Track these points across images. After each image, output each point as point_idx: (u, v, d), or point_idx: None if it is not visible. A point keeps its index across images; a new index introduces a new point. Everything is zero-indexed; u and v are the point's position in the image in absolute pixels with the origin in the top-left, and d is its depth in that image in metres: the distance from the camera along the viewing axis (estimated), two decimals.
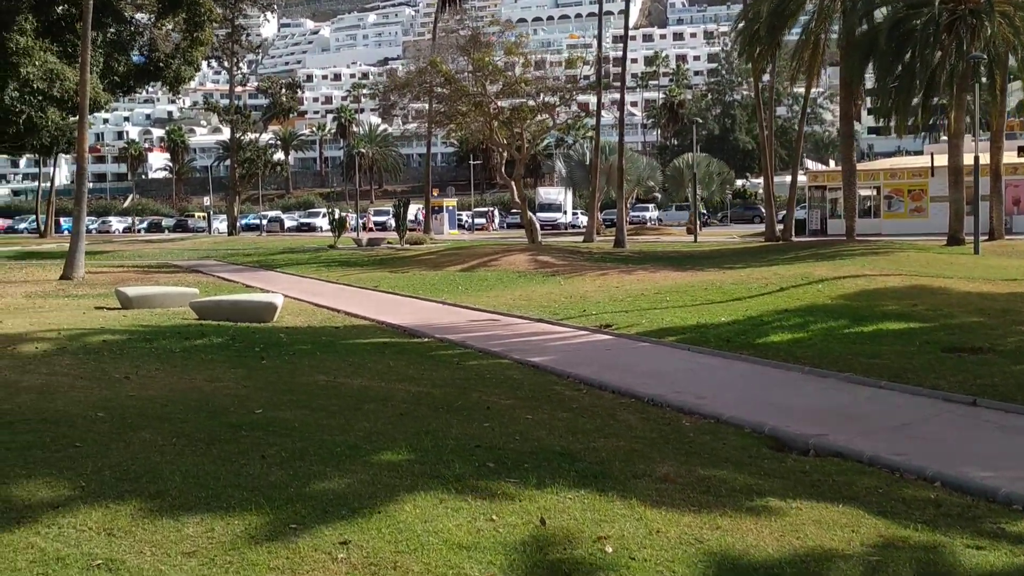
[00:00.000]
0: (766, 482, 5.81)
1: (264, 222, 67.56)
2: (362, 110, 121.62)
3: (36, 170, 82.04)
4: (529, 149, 38.88)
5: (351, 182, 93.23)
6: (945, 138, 45.85)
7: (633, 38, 40.30)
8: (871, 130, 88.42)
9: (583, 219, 58.02)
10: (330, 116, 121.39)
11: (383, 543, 4.43)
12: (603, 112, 40.47)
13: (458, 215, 59.59)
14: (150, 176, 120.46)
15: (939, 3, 27.55)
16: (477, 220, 63.21)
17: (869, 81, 35.09)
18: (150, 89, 68.88)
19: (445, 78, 34.36)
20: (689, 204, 63.39)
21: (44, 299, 18.61)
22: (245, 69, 63.09)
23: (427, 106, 41.04)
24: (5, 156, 79.28)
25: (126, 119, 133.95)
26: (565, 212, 61.11)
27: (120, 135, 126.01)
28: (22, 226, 79.27)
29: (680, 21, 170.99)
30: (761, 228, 45.77)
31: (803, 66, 34.70)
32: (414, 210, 52.83)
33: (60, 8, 31.76)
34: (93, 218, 66.94)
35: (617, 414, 7.99)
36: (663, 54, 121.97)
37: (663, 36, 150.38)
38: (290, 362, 10.13)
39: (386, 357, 10.81)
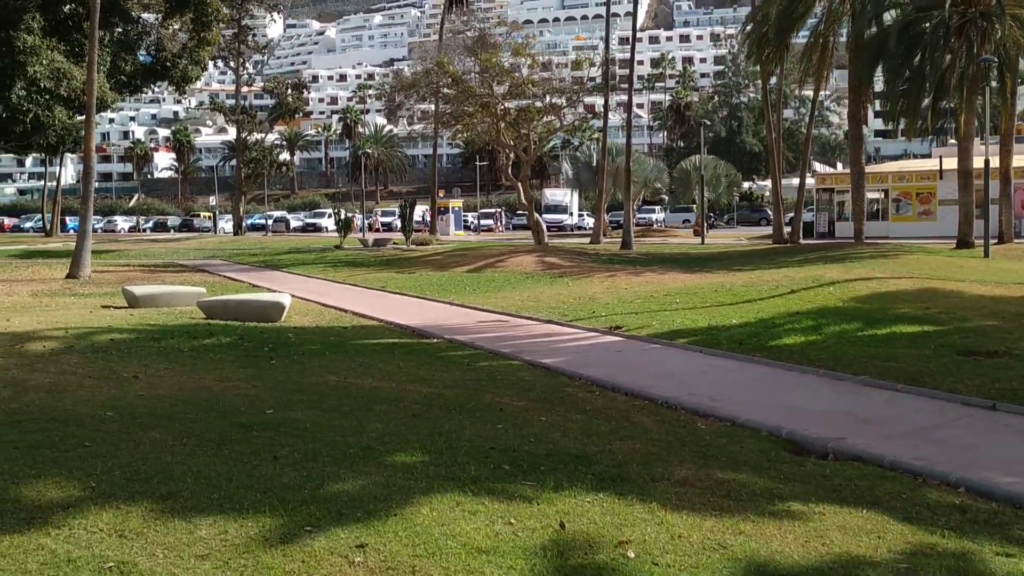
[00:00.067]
0: (787, 486, 5.70)
1: (270, 222, 67.54)
2: (367, 111, 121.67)
3: (42, 169, 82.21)
4: (536, 150, 38.80)
5: (356, 183, 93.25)
6: (953, 141, 45.74)
7: (639, 40, 40.20)
8: (878, 133, 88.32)
9: (589, 221, 57.92)
10: (335, 117, 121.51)
11: (400, 547, 4.34)
12: (610, 114, 40.36)
13: (464, 216, 59.53)
14: (156, 176, 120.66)
15: (949, 5, 27.43)
16: (483, 221, 63.15)
17: (877, 84, 35.00)
18: (156, 89, 69.00)
19: (452, 79, 34.28)
20: (689, 206, 63.56)
21: (51, 298, 18.56)
22: (251, 69, 63.08)
23: (433, 107, 40.99)
24: (11, 155, 79.43)
25: (132, 119, 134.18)
26: (571, 214, 61.01)
27: (126, 135, 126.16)
28: (28, 225, 79.34)
29: (686, 23, 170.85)
30: (768, 230, 45.67)
31: (811, 68, 34.55)
32: (420, 211, 52.76)
33: (67, 7, 31.74)
34: (99, 217, 66.91)
35: (631, 416, 7.89)
36: (669, 56, 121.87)
37: (669, 38, 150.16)
38: (299, 362, 10.04)
39: (396, 358, 10.72)
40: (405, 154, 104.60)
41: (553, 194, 64.09)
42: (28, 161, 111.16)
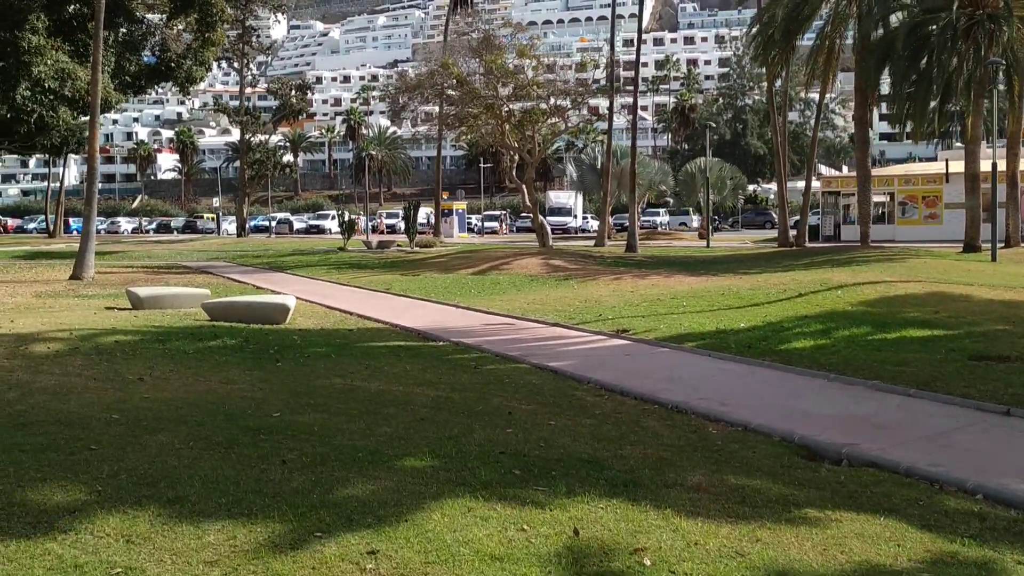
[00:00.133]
0: (802, 492, 5.62)
1: (273, 224, 67.54)
2: (371, 112, 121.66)
3: (45, 170, 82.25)
4: (540, 152, 38.73)
5: (360, 184, 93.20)
6: (959, 144, 45.61)
7: (644, 42, 40.23)
8: (883, 136, 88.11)
9: (593, 223, 57.86)
10: (339, 118, 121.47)
11: (412, 553, 4.26)
12: (614, 116, 40.29)
13: (467, 218, 59.47)
14: (159, 177, 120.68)
15: (956, 8, 27.33)
16: (487, 223, 63.08)
17: (883, 87, 34.90)
18: (160, 90, 69.06)
19: (457, 80, 34.23)
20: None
21: (54, 299, 18.51)
22: (255, 71, 62.94)
23: (438, 109, 40.94)
24: (15, 156, 79.51)
25: (135, 120, 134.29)
26: (575, 216, 60.92)
27: (129, 136, 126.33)
28: (31, 226, 79.39)
29: (691, 25, 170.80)
30: (772, 233, 45.55)
31: (817, 71, 34.46)
32: (424, 213, 52.75)
33: (72, 7, 31.72)
34: (102, 219, 66.96)
35: (641, 420, 7.81)
36: (674, 58, 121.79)
37: (674, 40, 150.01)
38: (305, 364, 9.98)
39: (402, 360, 10.65)
40: (409, 156, 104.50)
41: (557, 196, 64.03)
42: (32, 162, 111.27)
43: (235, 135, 72.27)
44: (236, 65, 58.88)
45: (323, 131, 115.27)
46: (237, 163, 67.45)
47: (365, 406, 7.68)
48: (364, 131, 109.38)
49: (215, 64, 41.30)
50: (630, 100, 61.67)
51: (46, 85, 29.42)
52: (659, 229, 57.56)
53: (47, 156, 56.13)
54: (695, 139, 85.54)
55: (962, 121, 30.36)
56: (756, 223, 62.56)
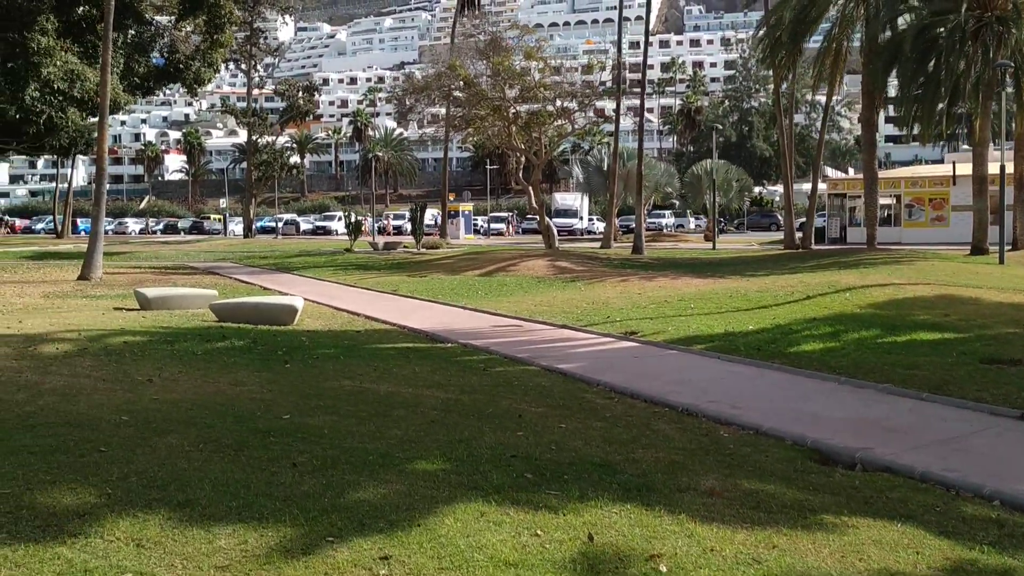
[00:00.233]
0: (816, 498, 5.57)
1: (280, 225, 67.61)
2: (377, 114, 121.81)
3: (53, 171, 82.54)
4: (547, 154, 38.69)
5: (366, 186, 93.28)
6: (966, 147, 45.45)
7: (650, 44, 40.06)
8: (888, 138, 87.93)
9: (599, 225, 57.81)
10: (346, 120, 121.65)
11: (425, 559, 4.22)
12: (621, 118, 40.24)
13: (473, 220, 59.47)
14: (166, 178, 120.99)
15: (965, 10, 27.24)
16: (493, 225, 63.07)
17: (890, 89, 34.77)
18: (167, 91, 69.20)
19: (464, 82, 34.21)
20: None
21: (62, 299, 18.51)
22: (262, 72, 63.15)
23: (444, 110, 40.93)
24: (23, 157, 79.78)
25: (143, 121, 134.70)
26: (581, 218, 60.91)
27: (137, 137, 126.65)
28: (39, 226, 79.67)
29: (697, 28, 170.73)
30: (778, 236, 45.47)
31: (824, 73, 34.38)
32: (430, 214, 52.72)
33: (81, 9, 31.78)
34: (110, 219, 67.09)
35: (652, 424, 7.76)
36: (680, 60, 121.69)
37: (679, 42, 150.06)
38: (314, 366, 9.94)
39: (411, 362, 10.61)
40: (415, 157, 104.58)
41: (563, 198, 64.01)
42: (40, 163, 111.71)
43: (242, 136, 72.30)
44: (244, 67, 58.96)
45: (330, 132, 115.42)
46: (244, 164, 67.52)
47: (375, 408, 7.64)
48: (371, 132, 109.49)
49: (223, 66, 41.35)
50: (636, 102, 61.66)
51: (55, 86, 29.48)
52: (665, 231, 57.51)
53: (55, 157, 56.28)
54: (701, 141, 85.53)
55: (969, 123, 30.24)
56: (761, 225, 62.47)
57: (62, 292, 20.30)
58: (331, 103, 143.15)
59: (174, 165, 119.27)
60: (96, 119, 28.49)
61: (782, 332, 13.15)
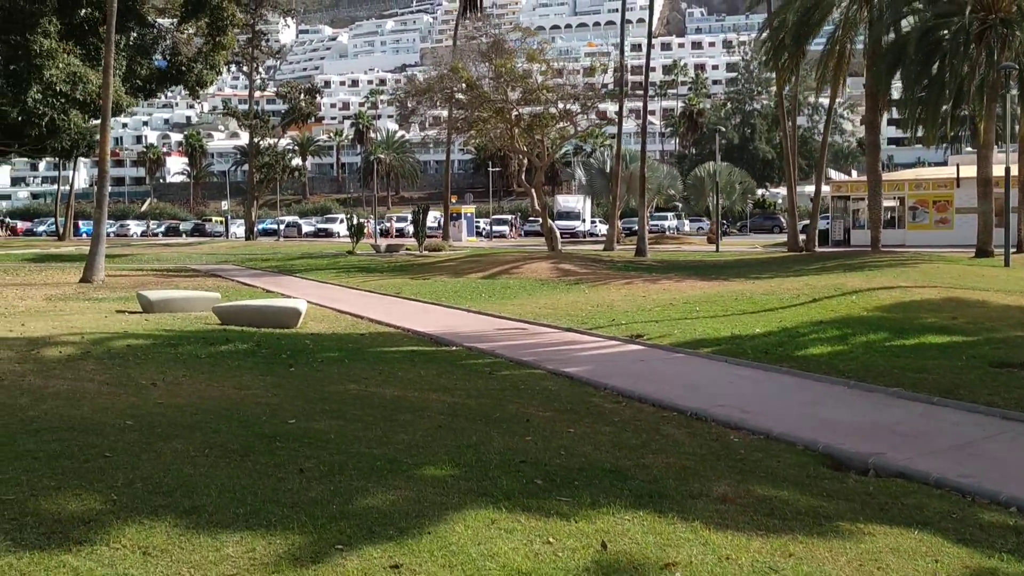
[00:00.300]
0: (831, 504, 5.49)
1: (282, 227, 67.57)
2: (379, 116, 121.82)
3: (55, 173, 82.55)
4: (550, 156, 38.64)
5: (368, 188, 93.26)
6: (969, 149, 45.34)
7: (652, 46, 39.98)
8: (891, 140, 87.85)
9: (601, 227, 57.70)
10: (347, 122, 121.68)
11: (437, 567, 4.15)
12: (623, 120, 40.16)
13: (476, 222, 59.42)
14: (168, 180, 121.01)
15: (969, 12, 27.15)
16: (495, 228, 63.01)
17: (893, 91, 34.69)
18: (169, 94, 69.22)
19: (467, 84, 34.15)
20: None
21: (64, 302, 18.45)
22: (264, 74, 63.18)
23: (446, 113, 40.87)
24: (25, 159, 79.83)
25: (145, 123, 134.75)
26: (583, 220, 60.81)
27: (139, 139, 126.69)
28: (41, 229, 79.69)
29: (698, 30, 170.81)
30: (781, 238, 45.38)
31: (828, 75, 34.32)
32: (433, 217, 52.69)
33: (83, 11, 31.74)
34: (111, 222, 67.13)
35: (661, 428, 7.69)
36: (681, 63, 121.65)
37: (681, 45, 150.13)
38: (319, 370, 9.88)
39: (416, 366, 10.54)
40: (417, 160, 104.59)
41: (566, 200, 63.92)
42: (41, 165, 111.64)
43: (244, 139, 72.36)
44: (245, 69, 58.96)
45: (331, 135, 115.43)
46: (246, 166, 67.58)
47: (381, 413, 7.57)
48: (372, 135, 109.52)
49: (225, 68, 41.29)
50: (638, 104, 61.58)
51: (57, 88, 29.43)
52: (667, 233, 57.41)
53: (57, 159, 56.28)
54: (703, 143, 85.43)
55: (973, 126, 30.14)
56: (764, 227, 62.45)
57: (64, 295, 20.23)
58: (333, 105, 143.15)
59: (176, 167, 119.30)
60: (98, 121, 28.47)
61: (789, 335, 13.08)
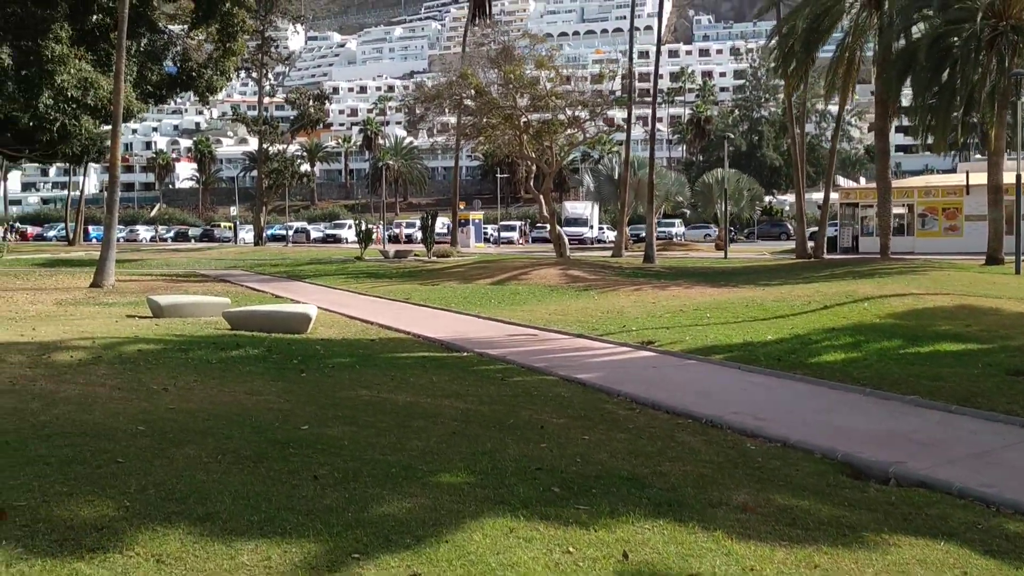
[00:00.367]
0: (853, 514, 5.40)
1: (290, 233, 67.61)
2: (387, 122, 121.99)
3: (66, 179, 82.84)
4: (558, 163, 38.59)
5: (376, 194, 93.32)
6: (978, 156, 45.15)
7: (659, 53, 39.85)
8: (899, 147, 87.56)
9: (609, 234, 57.63)
10: (356, 128, 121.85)
11: None
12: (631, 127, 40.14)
13: (484, 228, 59.39)
14: (177, 186, 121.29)
15: (981, 19, 27.04)
16: (503, 234, 62.98)
17: (903, 99, 34.57)
18: (179, 100, 69.41)
19: (476, 90, 34.15)
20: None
21: (75, 307, 18.45)
22: (273, 81, 63.32)
23: (455, 119, 40.88)
24: (36, 165, 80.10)
25: (154, 129, 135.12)
26: (591, 227, 60.73)
27: (148, 145, 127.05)
28: (51, 234, 79.96)
29: (706, 37, 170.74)
30: (789, 245, 45.22)
31: (837, 82, 34.23)
32: (441, 223, 52.68)
33: (95, 17, 31.85)
34: (121, 227, 67.18)
35: (676, 435, 7.60)
36: (689, 70, 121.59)
37: (689, 52, 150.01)
38: (330, 375, 9.82)
39: (428, 372, 10.48)
40: (425, 166, 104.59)
41: (574, 207, 63.84)
42: (52, 171, 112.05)
43: (252, 145, 72.50)
44: (255, 75, 59.09)
45: (340, 141, 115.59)
46: (254, 172, 67.62)
47: (394, 419, 7.51)
48: (380, 141, 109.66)
49: (235, 74, 41.40)
50: (645, 112, 61.46)
51: (69, 94, 29.50)
52: (675, 240, 57.30)
53: (67, 165, 56.42)
54: (710, 150, 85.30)
55: (982, 133, 30.00)
56: (771, 234, 62.26)
57: (75, 299, 20.24)
58: (341, 112, 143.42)
59: (185, 173, 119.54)
60: (109, 127, 28.53)
61: (801, 342, 12.98)
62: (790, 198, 63.94)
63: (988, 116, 27.92)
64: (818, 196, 46.65)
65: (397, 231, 63.42)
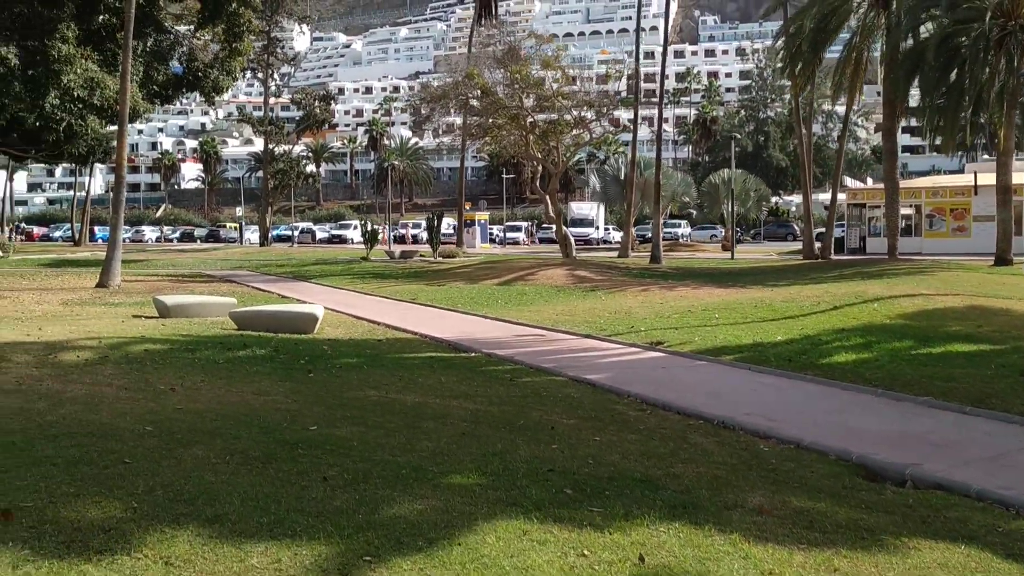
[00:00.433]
0: (871, 517, 5.32)
1: (296, 233, 67.65)
2: (393, 123, 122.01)
3: (71, 179, 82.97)
4: (564, 163, 38.52)
5: (381, 195, 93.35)
6: (986, 157, 44.94)
7: (666, 54, 39.68)
8: (905, 148, 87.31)
9: (615, 235, 57.52)
10: (361, 129, 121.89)
11: None
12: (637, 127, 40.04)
13: (489, 229, 59.36)
14: (183, 186, 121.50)
15: (989, 19, 26.90)
16: (509, 234, 62.93)
17: (910, 99, 34.43)
18: (184, 100, 69.51)
19: (482, 90, 34.09)
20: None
21: (81, 307, 18.42)
22: (279, 81, 63.42)
23: (461, 119, 40.83)
24: (42, 165, 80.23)
25: (160, 130, 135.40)
26: (597, 227, 60.66)
27: (154, 145, 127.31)
28: (57, 234, 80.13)
29: (711, 38, 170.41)
30: (796, 246, 45.11)
31: (844, 82, 34.09)
32: (446, 223, 52.65)
33: (101, 17, 31.84)
34: (127, 227, 67.26)
35: (688, 436, 7.53)
36: (695, 70, 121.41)
37: (694, 52, 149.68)
38: (338, 376, 9.76)
39: (436, 372, 10.41)
40: (430, 167, 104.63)
41: (580, 207, 63.78)
42: (58, 171, 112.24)
43: (258, 145, 72.59)
44: (260, 76, 59.12)
45: (345, 142, 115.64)
46: (260, 173, 67.70)
47: (403, 419, 7.44)
48: (386, 142, 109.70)
49: (240, 74, 41.39)
50: (651, 112, 61.44)
51: (75, 94, 29.49)
52: (681, 241, 57.19)
53: (73, 165, 56.54)
54: (716, 151, 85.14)
55: (991, 133, 29.85)
56: (778, 235, 62.11)
57: (81, 299, 20.22)
58: (346, 112, 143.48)
59: (190, 174, 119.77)
60: (115, 127, 28.50)
61: (812, 343, 12.89)
62: (796, 199, 63.85)
63: (997, 116, 27.78)
64: (825, 197, 46.52)
65: (403, 232, 63.40)
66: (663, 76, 39.39)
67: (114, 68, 30.05)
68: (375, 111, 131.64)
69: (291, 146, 65.88)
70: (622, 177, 48.28)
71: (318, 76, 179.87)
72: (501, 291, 23.09)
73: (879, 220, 38.80)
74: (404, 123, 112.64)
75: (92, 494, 4.97)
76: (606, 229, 62.24)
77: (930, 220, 40.55)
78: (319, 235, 69.97)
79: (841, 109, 44.69)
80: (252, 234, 67.18)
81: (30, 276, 28.28)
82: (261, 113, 62.09)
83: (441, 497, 5.17)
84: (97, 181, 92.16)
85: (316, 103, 63.29)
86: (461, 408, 8.12)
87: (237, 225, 73.14)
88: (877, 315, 15.26)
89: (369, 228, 43.67)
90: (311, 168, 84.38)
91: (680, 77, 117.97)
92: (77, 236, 66.91)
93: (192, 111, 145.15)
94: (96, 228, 72.54)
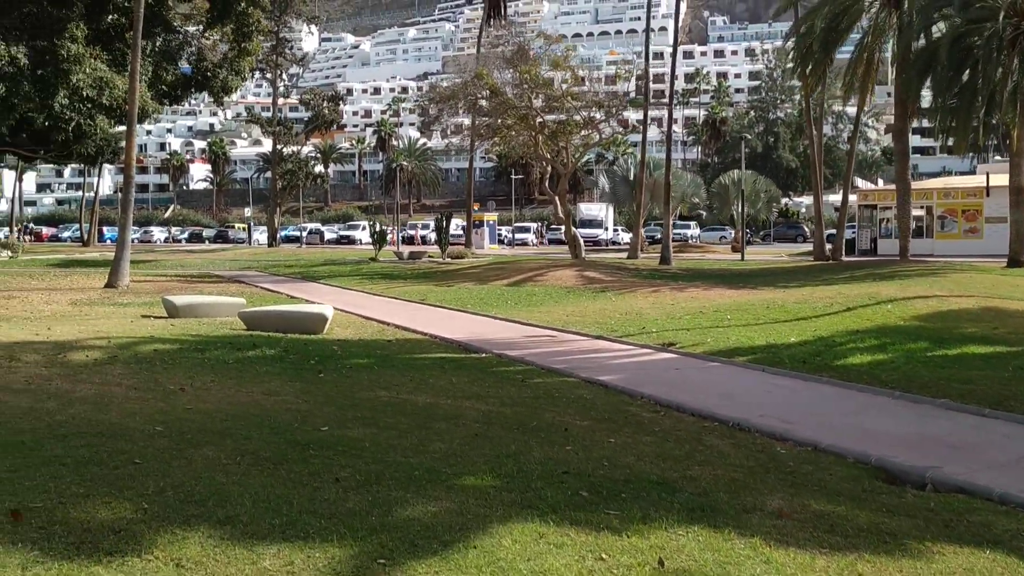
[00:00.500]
0: (893, 521, 5.21)
1: (304, 234, 67.69)
2: (401, 124, 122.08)
3: (80, 180, 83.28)
4: (573, 164, 38.43)
5: (389, 195, 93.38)
6: (997, 158, 44.71)
7: (675, 54, 39.60)
8: (915, 149, 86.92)
9: (624, 236, 57.40)
10: (369, 130, 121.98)
11: None
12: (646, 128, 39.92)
13: (498, 230, 59.30)
14: (191, 187, 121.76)
15: (1003, 18, 26.71)
16: (518, 235, 62.88)
17: (921, 99, 34.23)
18: (193, 101, 69.67)
19: (491, 90, 34.01)
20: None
21: (90, 307, 18.42)
22: (287, 82, 63.48)
23: (469, 120, 40.76)
24: (51, 166, 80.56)
25: (168, 130, 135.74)
26: (606, 228, 60.54)
27: (162, 146, 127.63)
28: (65, 235, 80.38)
29: (720, 38, 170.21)
30: (806, 247, 44.94)
31: (856, 83, 33.92)
32: (454, 224, 52.62)
33: (110, 17, 31.91)
34: (135, 228, 67.19)
35: (703, 438, 7.43)
36: (704, 71, 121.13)
37: (703, 53, 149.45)
38: (348, 376, 9.69)
39: (447, 373, 10.33)
40: (438, 167, 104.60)
41: (589, 208, 63.68)
42: (66, 171, 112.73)
43: (266, 146, 72.65)
44: (269, 76, 59.19)
45: (353, 142, 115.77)
46: (268, 174, 67.75)
47: (414, 420, 7.36)
48: (394, 142, 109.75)
49: (249, 75, 41.43)
50: (660, 113, 61.26)
51: (84, 94, 29.54)
52: (690, 242, 57.03)
53: (82, 166, 56.67)
54: (726, 152, 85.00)
55: (1003, 134, 29.64)
56: (788, 237, 61.89)
57: (89, 299, 20.21)
58: (355, 113, 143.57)
59: (199, 174, 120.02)
60: (123, 127, 28.53)
61: (826, 344, 12.78)
62: (806, 200, 63.58)
63: (1009, 117, 27.57)
64: (835, 198, 46.38)
65: (412, 232, 63.40)
66: (673, 76, 39.28)
67: (123, 68, 30.10)
68: (383, 112, 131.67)
69: (299, 147, 65.92)
70: (631, 178, 48.25)
71: (326, 77, 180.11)
72: (511, 292, 23.01)
73: (890, 221, 38.61)
74: (412, 124, 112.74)
75: (102, 495, 4.91)
76: (615, 230, 62.12)
77: (942, 221, 40.34)
78: (327, 236, 70.02)
79: (851, 110, 44.53)
80: (260, 235, 67.26)
81: (39, 276, 28.33)
82: (270, 114, 62.10)
83: (455, 499, 5.09)
84: (106, 181, 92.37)
85: (324, 104, 63.34)
86: (473, 409, 8.04)
87: (245, 226, 73.22)
88: (891, 317, 15.14)
89: (377, 229, 43.66)
90: (319, 169, 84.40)
91: (689, 78, 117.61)
92: (86, 236, 67.09)
93: (201, 112, 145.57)
94: (105, 228, 72.71)
